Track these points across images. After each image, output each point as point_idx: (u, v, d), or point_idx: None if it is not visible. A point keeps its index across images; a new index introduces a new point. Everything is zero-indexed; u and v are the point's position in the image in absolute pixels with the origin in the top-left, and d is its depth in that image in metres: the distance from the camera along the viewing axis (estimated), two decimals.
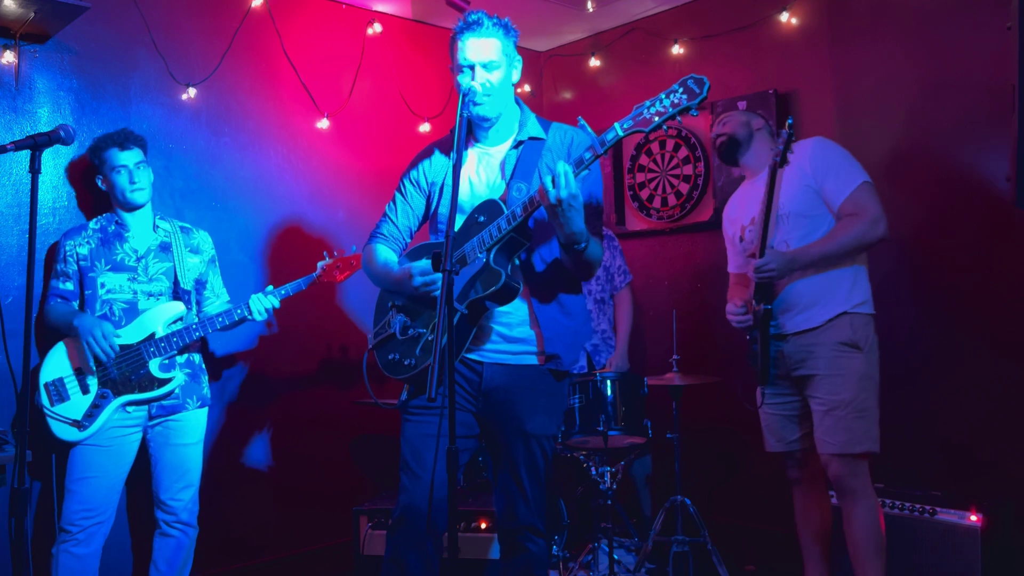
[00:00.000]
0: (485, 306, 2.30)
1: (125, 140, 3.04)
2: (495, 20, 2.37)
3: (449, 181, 2.43)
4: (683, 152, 4.44)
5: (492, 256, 2.26)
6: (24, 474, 2.05)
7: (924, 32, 3.56)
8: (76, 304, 3.01)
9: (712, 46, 4.28)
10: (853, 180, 2.79)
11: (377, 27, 4.25)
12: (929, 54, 3.54)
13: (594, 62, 4.78)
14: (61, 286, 3.00)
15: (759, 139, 3.06)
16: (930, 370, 3.02)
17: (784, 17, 3.99)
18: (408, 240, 2.59)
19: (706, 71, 4.57)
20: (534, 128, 2.44)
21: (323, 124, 4.07)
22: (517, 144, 2.43)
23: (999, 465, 3.29)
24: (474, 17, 2.35)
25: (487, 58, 2.33)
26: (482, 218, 2.31)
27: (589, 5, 4.33)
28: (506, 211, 2.25)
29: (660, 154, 4.55)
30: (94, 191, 3.20)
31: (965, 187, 3.42)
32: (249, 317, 3.06)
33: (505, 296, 2.27)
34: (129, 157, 3.02)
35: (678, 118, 2.07)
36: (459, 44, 2.35)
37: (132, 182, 3.01)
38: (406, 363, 2.38)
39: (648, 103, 2.09)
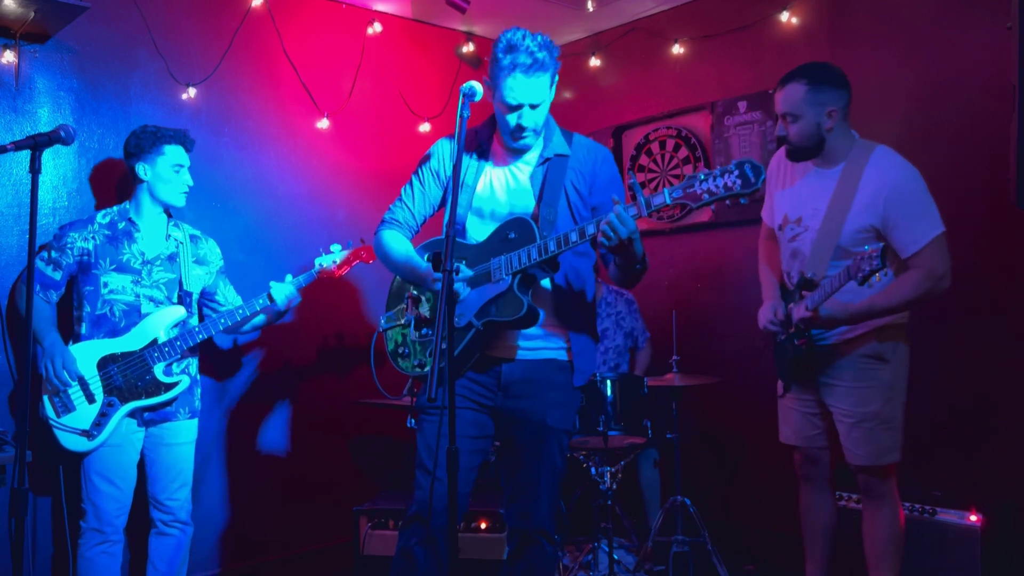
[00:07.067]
0: (503, 327, 2.28)
1: (189, 142, 3.04)
2: (546, 54, 2.22)
3: (469, 180, 2.42)
4: (683, 152, 4.44)
5: (517, 281, 2.23)
6: (24, 474, 2.05)
7: (924, 32, 3.56)
8: (56, 297, 2.97)
9: (712, 46, 4.28)
10: (927, 232, 2.61)
11: (377, 27, 4.25)
12: (929, 54, 3.54)
13: (594, 62, 4.78)
14: (49, 273, 2.93)
15: (832, 138, 2.76)
16: (929, 370, 3.02)
17: (784, 17, 3.99)
18: (418, 227, 2.56)
19: (706, 71, 4.55)
20: (559, 144, 2.41)
21: (323, 124, 4.07)
22: (543, 161, 2.40)
23: (999, 465, 3.29)
24: (526, 60, 2.19)
25: (537, 99, 2.25)
26: (513, 235, 2.26)
27: (589, 5, 4.33)
28: (538, 239, 2.21)
29: (660, 154, 4.54)
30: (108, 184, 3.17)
31: (965, 187, 3.42)
32: (272, 305, 3.07)
33: (526, 322, 2.26)
34: (188, 159, 3.03)
35: (727, 201, 1.98)
36: (508, 82, 2.22)
37: (188, 185, 3.04)
38: (415, 363, 2.41)
39: (702, 176, 2.00)
